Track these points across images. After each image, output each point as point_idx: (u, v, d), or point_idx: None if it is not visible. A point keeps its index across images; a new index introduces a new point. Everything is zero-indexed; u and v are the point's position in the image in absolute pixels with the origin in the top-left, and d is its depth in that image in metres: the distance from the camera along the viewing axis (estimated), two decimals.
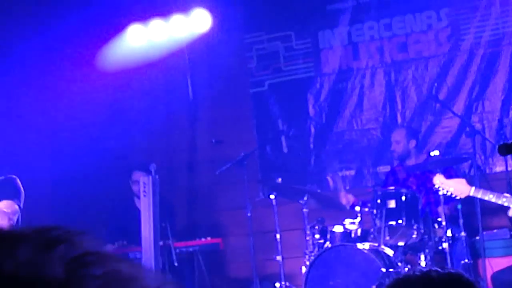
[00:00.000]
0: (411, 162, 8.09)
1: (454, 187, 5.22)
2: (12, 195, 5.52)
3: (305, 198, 7.84)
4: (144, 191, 7.41)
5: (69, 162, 8.89)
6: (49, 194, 8.97)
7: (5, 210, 5.40)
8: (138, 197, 7.68)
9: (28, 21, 8.86)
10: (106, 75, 9.16)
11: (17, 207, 5.51)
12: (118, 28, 9.27)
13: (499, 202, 4.91)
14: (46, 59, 9.13)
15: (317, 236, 7.63)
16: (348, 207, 7.84)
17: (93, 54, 9.23)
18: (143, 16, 9.25)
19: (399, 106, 8.91)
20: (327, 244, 7.50)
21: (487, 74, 8.56)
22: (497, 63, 8.52)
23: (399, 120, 8.87)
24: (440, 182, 5.29)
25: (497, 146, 3.82)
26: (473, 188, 5.08)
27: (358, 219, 7.55)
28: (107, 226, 8.70)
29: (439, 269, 2.07)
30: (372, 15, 9.00)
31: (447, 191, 5.27)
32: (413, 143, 8.13)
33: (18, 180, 5.68)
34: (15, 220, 5.48)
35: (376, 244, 7.28)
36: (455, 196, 5.27)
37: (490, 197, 4.97)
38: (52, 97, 9.18)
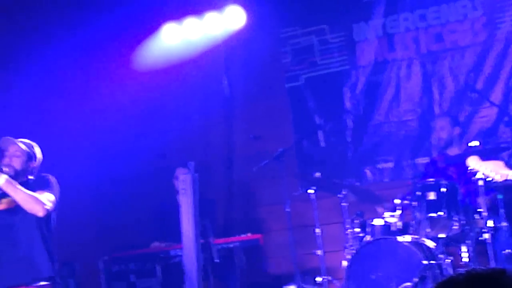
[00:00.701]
0: (452, 151, 8.03)
1: (490, 168, 5.08)
2: (45, 186, 5.67)
3: (344, 192, 7.83)
4: (183, 189, 7.46)
5: (110, 161, 8.98)
6: (93, 195, 9.06)
7: (39, 197, 5.55)
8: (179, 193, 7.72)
9: (64, 23, 8.96)
10: (142, 74, 9.23)
11: (52, 196, 5.65)
12: (153, 27, 9.33)
13: None
14: (82, 60, 9.23)
15: (357, 229, 7.62)
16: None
17: (129, 54, 9.30)
18: (178, 14, 9.30)
19: (436, 97, 8.85)
20: (368, 237, 7.49)
21: None
22: None
23: (437, 111, 8.81)
24: (476, 163, 5.15)
25: None
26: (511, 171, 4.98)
27: (398, 212, 7.52)
28: (151, 225, 8.78)
29: (481, 267, 2.06)
30: (407, 6, 8.95)
31: (483, 173, 5.12)
32: (457, 130, 8.08)
33: (52, 176, 5.82)
34: (52, 208, 5.62)
35: (417, 237, 7.25)
36: (492, 179, 5.13)
37: None
38: (91, 98, 9.27)
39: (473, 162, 5.18)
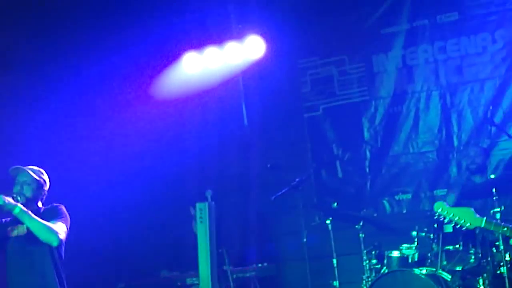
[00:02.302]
0: (477, 179, 8.04)
1: (458, 215, 4.94)
2: (58, 217, 5.72)
3: (361, 223, 7.82)
4: (201, 217, 7.48)
5: (128, 189, 9.01)
6: (109, 222, 9.08)
7: (53, 227, 5.60)
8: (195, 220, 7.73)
9: (90, 51, 9.05)
10: (162, 103, 9.30)
11: (64, 227, 5.70)
12: (174, 56, 9.41)
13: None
14: (106, 88, 9.31)
15: (374, 261, 7.61)
16: None
17: (151, 82, 9.38)
18: (199, 44, 9.37)
19: (455, 129, 8.84)
20: (384, 269, 7.46)
21: None
22: None
23: (455, 143, 8.80)
24: (443, 210, 5.02)
25: None
26: (484, 219, 4.86)
27: (415, 243, 7.50)
28: (165, 253, 8.79)
29: None
30: (426, 38, 8.98)
31: (450, 220, 4.98)
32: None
33: (62, 206, 5.88)
34: (64, 237, 5.67)
35: (434, 269, 7.21)
36: (460, 228, 4.99)
37: (504, 230, 4.77)
38: (111, 126, 9.33)
39: (440, 208, 5.07)
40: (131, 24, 9.02)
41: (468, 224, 4.92)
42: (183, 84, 9.34)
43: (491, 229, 4.77)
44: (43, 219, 5.67)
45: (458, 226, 5.00)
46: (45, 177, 6.00)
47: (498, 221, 4.89)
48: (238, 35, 9.28)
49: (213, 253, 7.42)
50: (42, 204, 5.94)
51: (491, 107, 8.29)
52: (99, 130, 9.31)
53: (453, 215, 4.98)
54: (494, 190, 7.20)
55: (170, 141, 9.47)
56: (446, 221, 5.07)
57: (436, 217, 5.12)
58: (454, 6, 8.86)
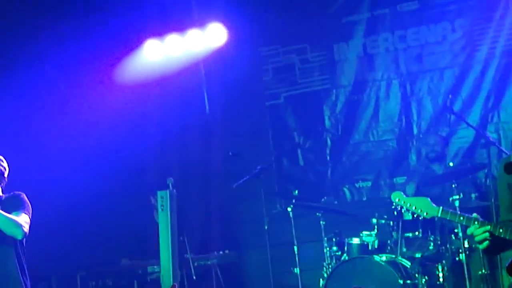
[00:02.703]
0: (436, 168, 8.14)
1: (415, 205, 5.05)
2: (20, 207, 5.63)
3: (322, 211, 7.87)
4: (162, 205, 7.47)
5: (87, 176, 8.96)
6: (70, 210, 9.03)
7: (17, 219, 5.51)
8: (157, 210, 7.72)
9: (51, 37, 8.96)
10: (124, 90, 9.24)
11: (28, 218, 5.62)
12: (135, 43, 9.36)
13: (470, 224, 4.79)
14: (65, 75, 9.23)
15: (334, 248, 7.67)
16: None
17: (111, 70, 9.32)
18: (160, 31, 9.33)
19: (415, 117, 8.93)
20: (345, 256, 7.53)
21: (502, 84, 8.56)
22: None
23: (415, 131, 8.89)
24: (400, 199, 5.11)
25: (504, 165, 3.80)
26: (441, 208, 4.95)
27: (375, 231, 7.57)
28: (125, 241, 8.76)
29: None
30: (387, 27, 9.04)
31: (407, 210, 5.09)
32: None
33: (24, 195, 5.79)
34: (27, 230, 5.59)
35: (393, 256, 7.30)
36: (418, 216, 5.09)
37: (461, 219, 4.85)
38: (72, 113, 9.27)
39: (396, 198, 5.16)
40: (93, 11, 8.96)
41: (425, 214, 4.98)
42: (144, 72, 9.30)
43: (448, 218, 4.83)
44: (4, 207, 5.58)
45: (415, 215, 5.07)
46: (5, 164, 5.92)
47: (455, 210, 4.95)
48: (200, 23, 9.24)
49: (174, 241, 7.42)
50: (2, 192, 5.86)
51: (450, 96, 8.37)
52: (59, 117, 9.23)
53: (410, 205, 5.05)
54: (452, 178, 7.30)
55: (131, 129, 9.41)
56: (403, 211, 5.15)
57: (393, 206, 5.18)
58: None
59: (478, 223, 4.62)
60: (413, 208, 5.00)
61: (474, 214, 4.77)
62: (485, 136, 7.76)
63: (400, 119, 9.01)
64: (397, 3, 8.99)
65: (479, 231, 4.68)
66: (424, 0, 8.89)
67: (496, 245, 4.71)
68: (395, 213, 7.40)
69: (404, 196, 5.08)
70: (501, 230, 4.66)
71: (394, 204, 5.07)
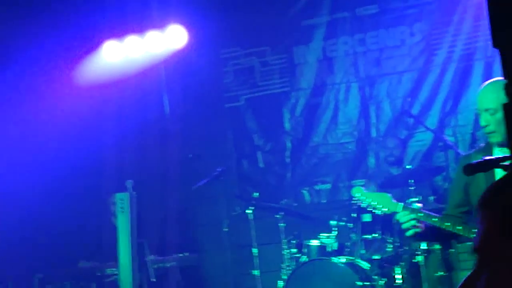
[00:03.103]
0: (394, 171, 8.22)
1: (376, 200, 5.11)
2: None
3: (281, 213, 7.90)
4: (121, 208, 7.43)
5: (45, 178, 8.87)
6: (25, 211, 8.94)
7: None
8: (116, 217, 7.68)
9: (6, 36, 8.87)
10: (83, 91, 9.16)
11: None
12: (94, 44, 9.30)
13: (429, 221, 4.87)
14: (22, 75, 9.13)
15: (293, 250, 7.69)
16: None
17: (70, 71, 9.24)
18: (119, 32, 9.28)
19: (374, 120, 8.99)
20: (304, 258, 7.55)
21: (460, 88, 8.66)
22: (469, 77, 8.62)
23: (374, 134, 8.95)
24: (360, 195, 5.16)
25: (462, 166, 3.86)
26: (402, 204, 5.01)
27: (334, 233, 7.61)
28: (83, 244, 8.69)
29: None
30: (346, 30, 9.10)
31: (368, 205, 5.14)
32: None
33: None
34: None
35: (352, 258, 7.34)
36: (378, 211, 5.14)
37: (420, 215, 4.93)
38: (29, 113, 9.17)
39: (357, 193, 5.20)
40: (51, 10, 8.87)
41: (385, 209, 5.04)
42: (103, 73, 9.23)
43: (408, 213, 4.89)
44: None
45: (376, 211, 5.12)
46: None
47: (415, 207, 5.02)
48: (160, 24, 9.21)
49: (133, 243, 7.39)
50: None
51: (409, 99, 8.46)
52: (16, 117, 9.13)
53: (370, 199, 5.09)
54: (411, 180, 7.36)
55: (90, 130, 9.34)
56: (363, 206, 5.18)
57: (354, 201, 5.21)
58: None
59: (423, 214, 4.73)
60: (374, 203, 5.04)
61: (417, 205, 4.86)
62: (443, 139, 7.85)
63: (359, 122, 9.07)
64: (356, 7, 9.05)
65: (406, 218, 4.78)
66: (384, 4, 8.96)
67: (429, 235, 4.82)
68: (355, 215, 7.45)
69: (365, 191, 5.12)
70: (447, 224, 4.75)
71: (354, 199, 5.11)
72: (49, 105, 9.21)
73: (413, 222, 4.83)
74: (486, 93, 4.80)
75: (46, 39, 8.88)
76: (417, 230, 4.86)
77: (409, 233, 4.88)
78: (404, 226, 4.87)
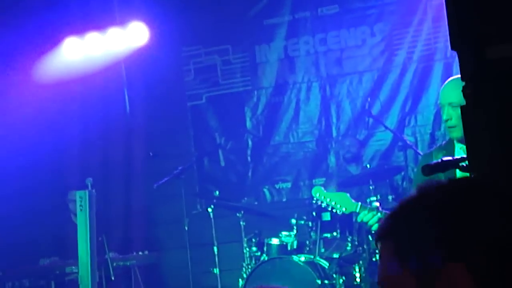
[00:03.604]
0: (352, 169, 8.28)
1: (335, 200, 5.19)
2: None
3: (242, 212, 7.92)
4: (81, 205, 7.39)
5: (4, 175, 8.79)
6: None
7: None
8: (75, 215, 7.64)
9: None
10: (43, 88, 9.09)
11: None
12: (54, 41, 9.22)
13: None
14: None
15: (254, 248, 7.72)
16: None
17: (30, 68, 9.15)
18: (80, 29, 9.21)
19: (334, 120, 9.06)
20: (264, 256, 7.58)
21: (419, 88, 8.75)
22: (429, 78, 8.72)
23: (334, 133, 9.02)
24: (320, 194, 5.25)
25: (417, 170, 3.92)
26: (359, 204, 5.10)
27: (294, 231, 7.65)
28: (43, 241, 8.63)
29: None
30: (308, 30, 9.14)
31: (327, 204, 5.23)
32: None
33: None
34: None
35: (312, 256, 7.39)
36: (337, 211, 5.23)
37: (378, 215, 5.01)
38: None
39: (317, 193, 5.28)
40: (12, 7, 8.79)
41: (344, 209, 5.12)
42: (63, 70, 9.16)
43: (366, 213, 4.96)
44: None
45: (335, 210, 5.19)
46: None
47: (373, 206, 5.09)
48: (121, 21, 9.17)
49: (93, 241, 7.35)
50: None
51: (369, 99, 8.54)
52: None
53: (330, 199, 5.17)
54: (369, 179, 7.43)
55: (50, 128, 9.27)
56: (323, 205, 5.25)
57: (314, 201, 5.27)
58: None
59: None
60: (333, 203, 5.12)
61: (375, 204, 4.94)
62: (402, 139, 7.93)
63: (320, 121, 9.12)
64: (318, 6, 9.10)
65: (369, 216, 4.86)
66: (345, 4, 9.02)
67: None
68: (314, 213, 7.50)
69: (324, 191, 5.18)
70: None
71: (314, 199, 5.17)
72: (9, 102, 9.12)
73: (376, 219, 4.90)
74: (451, 87, 4.86)
75: (6, 35, 8.79)
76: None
77: (375, 227, 4.96)
78: (370, 223, 4.93)
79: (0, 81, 9.13)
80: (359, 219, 4.97)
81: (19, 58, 9.07)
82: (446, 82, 5.03)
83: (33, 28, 8.86)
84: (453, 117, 4.83)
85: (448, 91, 4.87)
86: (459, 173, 4.64)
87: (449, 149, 4.96)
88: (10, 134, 9.05)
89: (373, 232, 5.03)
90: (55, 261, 8.13)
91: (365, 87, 8.93)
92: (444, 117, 4.89)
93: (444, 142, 5.17)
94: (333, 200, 5.14)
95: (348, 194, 5.11)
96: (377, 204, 5.08)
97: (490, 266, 1.57)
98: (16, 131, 9.05)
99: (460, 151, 4.78)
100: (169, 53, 9.41)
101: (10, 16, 8.84)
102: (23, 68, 9.14)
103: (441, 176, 4.78)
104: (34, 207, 8.94)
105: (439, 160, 3.77)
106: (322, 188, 5.20)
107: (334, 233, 7.46)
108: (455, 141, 4.96)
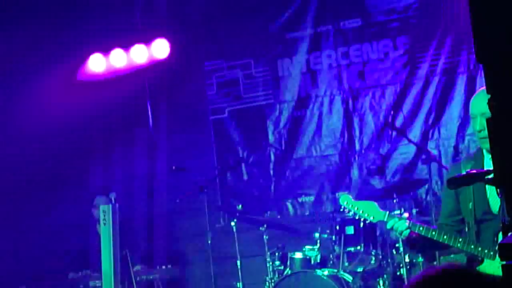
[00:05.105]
0: (376, 183, 8.27)
1: (362, 209, 5.19)
2: None
3: (265, 225, 7.92)
4: (104, 220, 7.41)
5: (30, 190, 8.85)
6: (10, 224, 8.90)
7: None
8: (99, 222, 7.66)
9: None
10: (70, 102, 9.14)
11: None
12: (79, 58, 9.29)
13: (416, 230, 4.94)
14: (17, 84, 9.14)
15: (277, 262, 7.70)
16: None
17: (56, 83, 9.22)
18: (105, 46, 9.27)
19: (357, 133, 9.04)
20: (287, 270, 7.57)
21: (442, 101, 8.72)
22: (452, 91, 8.68)
23: (357, 146, 9.00)
24: (348, 203, 5.25)
25: (445, 181, 3.90)
26: (387, 212, 5.09)
27: (318, 245, 7.64)
28: (69, 254, 8.67)
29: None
30: (330, 43, 9.14)
31: (354, 213, 5.23)
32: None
33: None
34: None
35: (335, 270, 7.36)
36: (365, 220, 5.24)
37: (406, 225, 5.00)
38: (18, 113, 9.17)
39: (345, 201, 5.28)
40: (38, 24, 8.87)
41: (371, 218, 5.10)
42: (88, 85, 9.22)
43: (397, 220, 4.96)
44: None
45: (362, 219, 5.18)
46: None
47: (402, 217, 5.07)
48: (144, 38, 9.22)
49: (116, 255, 7.36)
50: None
51: (392, 112, 8.52)
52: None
53: (357, 208, 5.16)
54: (393, 193, 7.41)
55: (75, 143, 9.31)
56: (350, 214, 5.25)
57: (341, 209, 5.26)
58: (357, 13, 9.05)
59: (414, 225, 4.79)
60: (360, 211, 5.10)
61: (404, 215, 4.92)
62: (426, 152, 7.90)
63: (343, 135, 9.11)
64: (340, 20, 9.10)
65: (400, 223, 4.85)
66: (367, 18, 9.02)
67: (427, 245, 4.88)
68: (338, 227, 7.48)
69: (352, 199, 5.17)
70: (445, 237, 4.80)
71: (342, 207, 5.16)
72: (37, 117, 9.18)
73: (405, 226, 4.91)
74: (482, 98, 4.84)
75: (34, 52, 8.88)
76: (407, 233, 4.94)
77: (404, 235, 4.95)
78: (400, 229, 4.93)
79: (31, 97, 9.20)
80: (388, 226, 4.95)
81: (43, 76, 9.15)
82: (477, 92, 5.03)
83: (60, 45, 8.93)
84: (486, 127, 4.82)
85: (480, 101, 4.86)
86: (488, 186, 4.63)
87: (478, 160, 4.95)
88: (35, 147, 9.11)
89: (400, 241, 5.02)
90: (80, 275, 8.16)
91: (388, 100, 8.91)
92: (477, 127, 4.87)
93: (473, 152, 5.16)
94: (361, 208, 5.13)
95: (376, 203, 5.10)
96: (406, 214, 5.05)
97: None
98: (41, 144, 9.11)
99: (489, 162, 4.77)
100: (192, 68, 9.45)
101: (39, 34, 8.91)
102: (49, 82, 9.20)
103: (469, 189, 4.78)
104: (57, 222, 8.99)
105: (465, 173, 3.76)
106: (350, 197, 5.19)
107: (358, 247, 7.44)
108: (485, 152, 4.95)
